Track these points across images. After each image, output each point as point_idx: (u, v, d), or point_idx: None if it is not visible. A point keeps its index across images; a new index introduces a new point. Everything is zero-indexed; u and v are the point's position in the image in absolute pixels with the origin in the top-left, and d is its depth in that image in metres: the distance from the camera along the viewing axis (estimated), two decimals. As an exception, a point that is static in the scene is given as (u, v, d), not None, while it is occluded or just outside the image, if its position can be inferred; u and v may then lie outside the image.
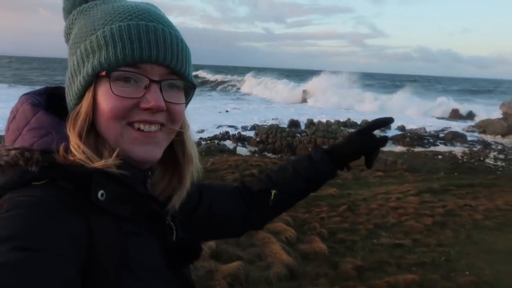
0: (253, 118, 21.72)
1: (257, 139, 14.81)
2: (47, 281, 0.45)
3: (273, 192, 0.98)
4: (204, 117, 20.26)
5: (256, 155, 12.97)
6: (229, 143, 14.44)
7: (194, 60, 0.71)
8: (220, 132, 16.55)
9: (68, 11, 0.70)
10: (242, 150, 13.58)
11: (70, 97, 0.67)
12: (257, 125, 18.49)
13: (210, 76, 55.96)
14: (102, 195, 0.58)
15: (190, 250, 0.70)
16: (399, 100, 29.71)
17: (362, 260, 4.47)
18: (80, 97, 0.65)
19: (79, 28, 0.66)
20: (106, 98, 0.63)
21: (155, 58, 0.63)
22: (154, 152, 0.66)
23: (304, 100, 32.62)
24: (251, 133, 16.30)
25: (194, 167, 0.76)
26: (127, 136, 0.65)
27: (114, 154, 0.62)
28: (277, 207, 1.01)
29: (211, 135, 15.95)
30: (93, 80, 0.63)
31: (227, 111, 25.33)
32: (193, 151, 0.76)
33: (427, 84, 68.97)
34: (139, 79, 0.64)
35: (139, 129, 0.65)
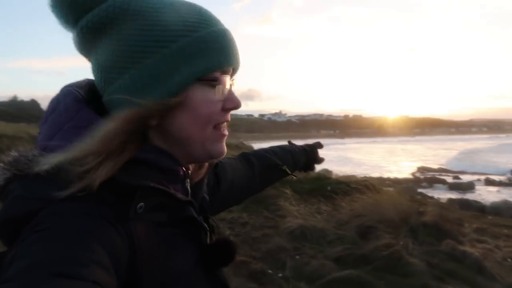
0: None
1: None
2: None
3: (284, 167, 1.14)
4: None
5: None
6: None
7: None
8: None
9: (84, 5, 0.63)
10: None
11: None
12: None
13: None
14: (140, 207, 0.59)
15: (225, 252, 0.70)
16: None
17: None
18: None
19: (148, 27, 0.61)
20: (205, 103, 0.64)
21: (236, 62, 0.68)
22: (225, 147, 0.71)
23: None
24: None
25: None
26: (213, 137, 0.68)
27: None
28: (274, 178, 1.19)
29: None
30: (189, 85, 0.63)
31: None
32: None
33: None
34: (223, 82, 0.66)
35: (220, 129, 0.68)
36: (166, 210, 0.64)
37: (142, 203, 0.59)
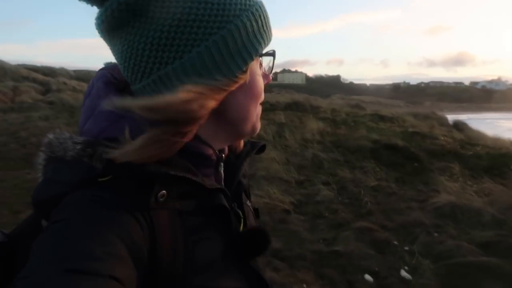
0: None
1: None
2: None
3: None
4: None
5: None
6: None
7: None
8: None
9: None
10: None
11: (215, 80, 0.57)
12: None
13: None
14: (162, 196, 0.55)
15: (258, 241, 0.66)
16: None
17: None
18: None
19: (208, 2, 0.56)
20: (259, 77, 0.63)
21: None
22: None
23: None
24: None
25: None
26: (259, 113, 0.67)
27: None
28: None
29: None
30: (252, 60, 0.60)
31: None
32: None
33: None
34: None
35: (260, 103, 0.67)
36: (194, 198, 0.60)
37: (164, 191, 0.55)
